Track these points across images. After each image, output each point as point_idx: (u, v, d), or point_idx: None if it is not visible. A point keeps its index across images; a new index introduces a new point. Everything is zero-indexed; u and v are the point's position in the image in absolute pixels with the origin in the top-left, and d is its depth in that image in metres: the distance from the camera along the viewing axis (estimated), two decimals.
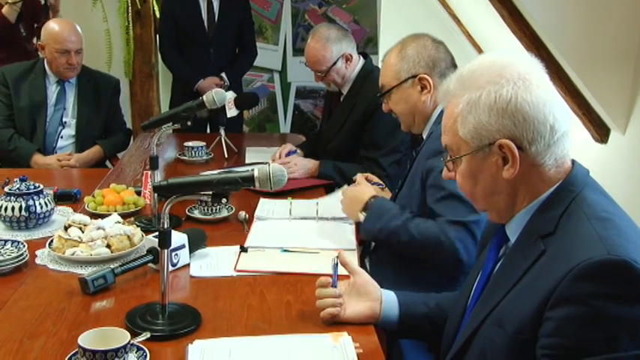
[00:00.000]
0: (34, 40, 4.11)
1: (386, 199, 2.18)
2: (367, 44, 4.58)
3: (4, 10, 3.85)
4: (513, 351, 1.22)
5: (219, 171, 2.41)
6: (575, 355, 1.12)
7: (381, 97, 2.27)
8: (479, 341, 1.31)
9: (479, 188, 1.35)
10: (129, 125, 3.91)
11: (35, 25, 4.05)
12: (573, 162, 1.33)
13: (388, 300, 1.66)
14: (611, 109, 3.25)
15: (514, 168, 1.27)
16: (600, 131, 3.46)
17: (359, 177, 2.40)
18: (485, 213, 1.44)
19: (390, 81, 2.21)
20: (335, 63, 3.06)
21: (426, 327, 1.66)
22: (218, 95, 2.30)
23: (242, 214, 2.36)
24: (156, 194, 2.19)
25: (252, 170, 1.52)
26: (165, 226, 1.55)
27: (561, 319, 1.14)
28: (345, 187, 2.44)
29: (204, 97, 2.32)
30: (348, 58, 3.08)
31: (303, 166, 2.97)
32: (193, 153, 3.23)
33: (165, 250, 1.56)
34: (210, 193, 1.53)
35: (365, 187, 2.28)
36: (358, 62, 3.14)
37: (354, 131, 3.05)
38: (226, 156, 3.28)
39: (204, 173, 2.02)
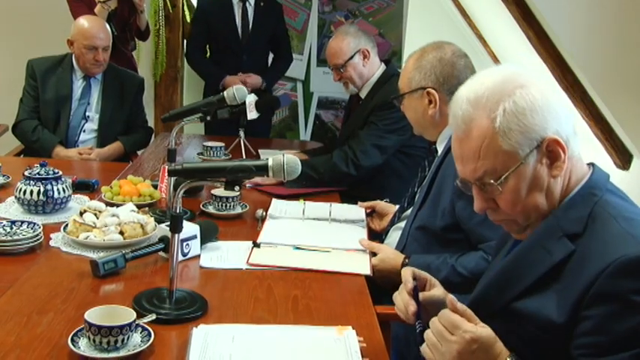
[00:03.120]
0: (130, 42, 4.22)
1: (418, 255, 2.05)
2: (391, 58, 4.60)
3: (96, 9, 3.92)
4: (537, 346, 1.23)
5: None
6: (616, 350, 1.13)
7: (395, 99, 2.29)
8: (500, 330, 1.27)
9: (530, 199, 1.29)
10: (151, 125, 3.95)
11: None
12: (593, 165, 1.34)
13: None
14: (634, 136, 3.22)
15: (564, 163, 1.27)
16: (622, 158, 3.43)
17: (366, 243, 2.17)
18: None
19: (403, 87, 2.24)
20: (352, 57, 3.09)
21: None
22: (239, 91, 2.33)
23: (260, 211, 2.37)
24: (172, 187, 2.21)
25: (267, 159, 1.54)
26: (177, 211, 1.56)
27: (600, 317, 1.14)
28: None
29: (224, 92, 2.34)
30: (365, 55, 3.10)
31: None
32: (212, 153, 3.27)
33: (176, 235, 1.57)
34: (224, 180, 1.54)
35: (389, 253, 2.09)
36: (379, 66, 3.16)
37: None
38: (244, 158, 3.30)
39: None
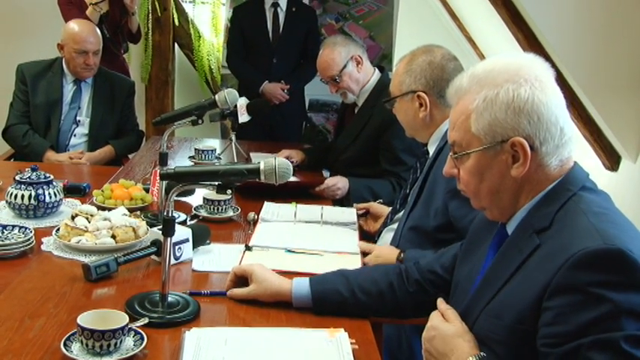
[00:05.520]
0: (123, 44, 4.24)
1: (415, 250, 2.06)
2: (382, 60, 4.62)
3: (88, 11, 3.93)
4: (513, 341, 1.25)
5: None
6: (574, 339, 1.14)
7: (386, 102, 2.32)
8: (477, 333, 1.33)
9: (484, 185, 1.36)
10: (141, 129, 3.94)
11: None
12: (575, 163, 1.35)
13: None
14: (623, 137, 3.25)
15: (524, 167, 1.29)
16: (611, 159, 3.45)
17: (363, 245, 2.21)
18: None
19: (394, 90, 2.26)
20: (345, 66, 3.09)
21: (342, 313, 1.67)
22: (230, 95, 2.34)
23: (251, 214, 2.38)
24: (163, 191, 2.21)
25: (258, 163, 1.54)
26: (170, 214, 1.57)
27: (560, 308, 1.16)
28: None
29: (216, 96, 2.35)
30: (358, 61, 3.11)
31: (343, 186, 2.92)
32: (203, 156, 3.27)
33: (169, 238, 1.57)
34: (216, 183, 1.55)
35: (384, 249, 2.16)
36: (373, 71, 3.17)
37: (369, 143, 3.06)
38: (235, 161, 3.31)
39: None
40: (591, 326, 1.13)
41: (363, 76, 3.13)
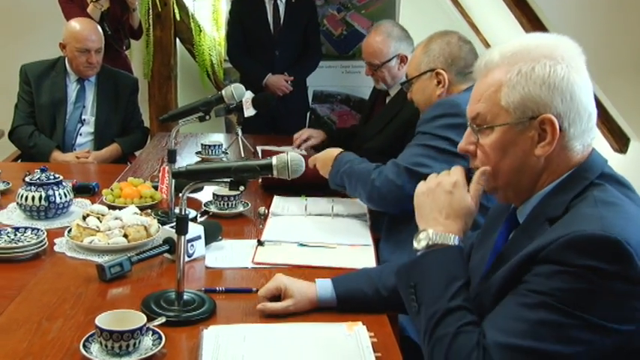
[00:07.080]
0: (125, 41, 4.24)
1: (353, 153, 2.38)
2: None
3: (89, 9, 3.92)
4: (500, 296, 1.25)
5: None
6: (541, 295, 1.16)
7: (403, 84, 2.39)
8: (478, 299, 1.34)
9: (506, 162, 1.32)
10: (146, 126, 3.94)
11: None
12: (592, 149, 1.33)
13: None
14: (631, 119, 3.23)
15: (550, 146, 1.27)
16: (620, 141, 3.44)
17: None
18: None
19: (412, 71, 2.31)
20: (389, 60, 3.09)
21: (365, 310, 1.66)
22: (237, 90, 2.33)
23: (262, 209, 2.37)
24: (173, 188, 2.21)
25: (270, 158, 1.54)
26: (183, 213, 1.56)
27: (540, 273, 1.17)
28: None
29: (222, 91, 2.34)
30: (403, 60, 3.10)
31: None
32: (210, 151, 3.25)
33: (182, 237, 1.57)
34: (228, 180, 1.54)
35: (333, 149, 2.44)
36: None
37: (397, 135, 3.02)
38: (243, 155, 3.30)
39: None
40: (568, 297, 1.13)
41: (401, 74, 3.11)
